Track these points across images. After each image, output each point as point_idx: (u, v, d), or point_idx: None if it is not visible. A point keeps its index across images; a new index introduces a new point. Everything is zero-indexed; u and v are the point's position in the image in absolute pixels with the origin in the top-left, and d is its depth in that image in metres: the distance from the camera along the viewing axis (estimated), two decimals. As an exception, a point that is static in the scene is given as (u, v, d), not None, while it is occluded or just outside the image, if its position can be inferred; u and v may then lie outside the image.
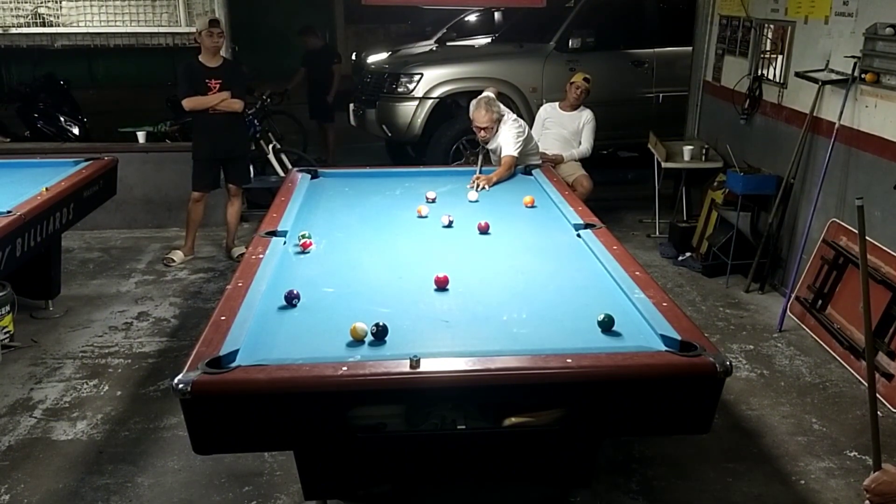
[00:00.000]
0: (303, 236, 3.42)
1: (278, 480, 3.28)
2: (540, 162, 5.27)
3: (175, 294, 5.28)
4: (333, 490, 2.70)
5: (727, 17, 6.23)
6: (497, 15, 12.35)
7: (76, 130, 7.88)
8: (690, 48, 7.01)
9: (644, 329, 2.58)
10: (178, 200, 6.24)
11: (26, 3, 6.19)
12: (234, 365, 2.28)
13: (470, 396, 2.39)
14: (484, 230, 3.67)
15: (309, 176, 4.70)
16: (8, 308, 4.29)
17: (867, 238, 2.33)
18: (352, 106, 8.36)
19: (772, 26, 5.48)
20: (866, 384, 2.37)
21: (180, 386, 2.16)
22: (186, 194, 5.84)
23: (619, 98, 7.49)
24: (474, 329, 2.64)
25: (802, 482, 3.32)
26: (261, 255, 3.19)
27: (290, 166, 6.73)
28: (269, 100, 7.11)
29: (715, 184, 5.84)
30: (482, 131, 4.97)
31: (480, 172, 4.67)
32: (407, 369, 2.24)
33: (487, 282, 3.06)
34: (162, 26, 6.28)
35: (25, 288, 4.70)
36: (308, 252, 3.37)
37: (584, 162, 6.24)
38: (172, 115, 7.57)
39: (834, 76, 4.67)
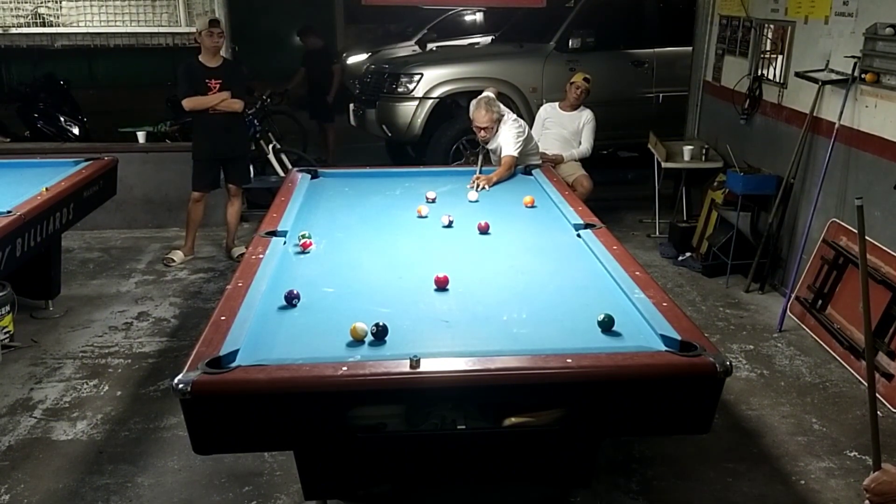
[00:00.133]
0: (303, 236, 3.42)
1: (278, 480, 3.28)
2: (540, 162, 5.27)
3: (175, 294, 5.28)
4: (333, 490, 2.70)
5: (727, 17, 6.23)
6: (479, 16, 12.37)
7: (76, 130, 7.88)
8: (690, 48, 7.01)
9: (644, 329, 2.58)
10: (178, 200, 6.24)
11: (26, 3, 6.19)
12: (234, 365, 2.28)
13: (470, 396, 2.39)
14: (484, 230, 3.67)
15: (309, 176, 4.70)
16: (8, 308, 4.29)
17: (867, 238, 2.33)
18: (352, 106, 8.36)
19: (772, 26, 5.48)
20: (866, 384, 2.37)
21: (180, 386, 2.16)
22: (186, 194, 5.84)
23: (619, 98, 7.49)
24: (474, 329, 2.64)
25: (802, 482, 3.32)
26: (261, 255, 3.19)
27: (290, 166, 6.73)
28: (269, 100, 7.11)
29: (715, 184, 5.84)
30: (482, 131, 4.97)
31: (480, 172, 4.67)
32: (407, 369, 2.24)
33: (487, 282, 3.06)
34: (162, 26, 6.28)
35: (25, 288, 4.70)
36: (308, 252, 3.37)
37: (584, 162, 6.24)
38: (172, 115, 7.56)
39: (834, 76, 4.67)
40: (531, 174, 4.83)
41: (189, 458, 3.36)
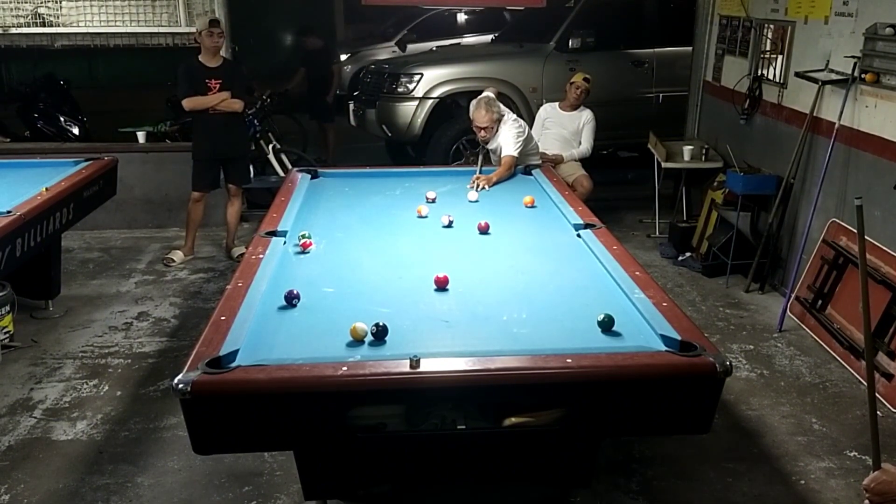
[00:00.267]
0: (303, 236, 3.42)
1: (278, 480, 3.28)
2: (540, 162, 5.27)
3: (175, 294, 5.28)
4: (333, 490, 2.70)
5: (727, 17, 6.23)
6: (461, 17, 12.35)
7: (76, 130, 7.88)
8: (690, 48, 7.01)
9: (644, 329, 2.58)
10: (178, 200, 6.25)
11: (26, 3, 6.19)
12: (234, 365, 2.28)
13: (470, 396, 2.39)
14: (484, 230, 3.67)
15: (309, 176, 4.70)
16: (8, 308, 4.29)
17: (867, 238, 2.33)
18: (352, 106, 8.36)
19: (772, 26, 5.48)
20: (866, 384, 2.37)
21: (180, 386, 2.16)
22: (186, 194, 5.84)
23: (619, 98, 7.49)
24: (474, 329, 2.64)
25: (802, 482, 3.32)
26: (261, 255, 3.19)
27: (290, 166, 6.73)
28: (269, 100, 7.11)
29: (715, 184, 5.84)
30: (482, 131, 4.97)
31: (480, 172, 4.67)
32: (407, 369, 2.24)
33: (487, 282, 3.06)
34: (162, 26, 6.28)
35: (25, 288, 4.70)
36: (308, 252, 3.37)
37: (584, 162, 6.24)
38: (172, 115, 7.56)
39: (834, 76, 4.67)
40: (531, 174, 4.83)
41: (189, 458, 3.36)
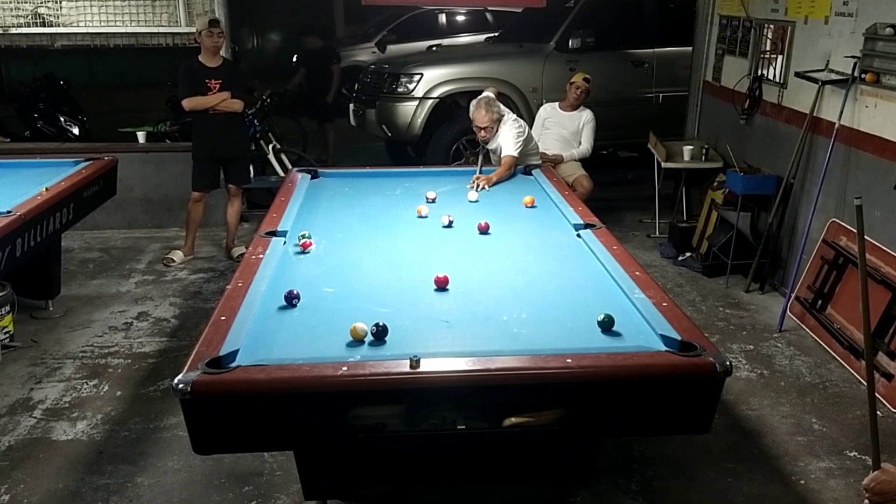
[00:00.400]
0: (303, 236, 3.42)
1: (278, 480, 3.28)
2: (540, 162, 5.27)
3: (175, 294, 5.28)
4: (333, 490, 2.69)
5: (727, 17, 6.23)
6: (442, 17, 12.32)
7: (76, 130, 7.89)
8: (690, 48, 7.01)
9: (644, 329, 2.58)
10: (178, 200, 6.25)
11: (26, 3, 6.19)
12: (234, 365, 2.28)
13: (470, 396, 2.39)
14: (484, 230, 3.67)
15: (309, 176, 4.70)
16: (8, 308, 4.29)
17: (867, 238, 2.33)
18: (352, 106, 8.36)
19: (772, 26, 5.48)
20: (866, 384, 2.37)
21: (180, 386, 2.16)
22: (186, 194, 5.84)
23: (619, 98, 7.50)
24: (474, 329, 2.64)
25: (802, 482, 3.32)
26: (261, 255, 3.19)
27: (290, 166, 6.73)
28: (269, 100, 7.11)
29: (715, 184, 5.85)
30: (482, 131, 4.97)
31: (480, 172, 4.67)
32: (407, 369, 2.24)
33: (487, 282, 3.06)
34: (162, 26, 6.28)
35: (25, 288, 4.70)
36: (308, 252, 3.37)
37: (584, 162, 6.24)
38: (172, 115, 7.57)
39: (834, 76, 4.67)
40: (531, 174, 4.83)
41: (189, 458, 3.36)
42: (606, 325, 2.57)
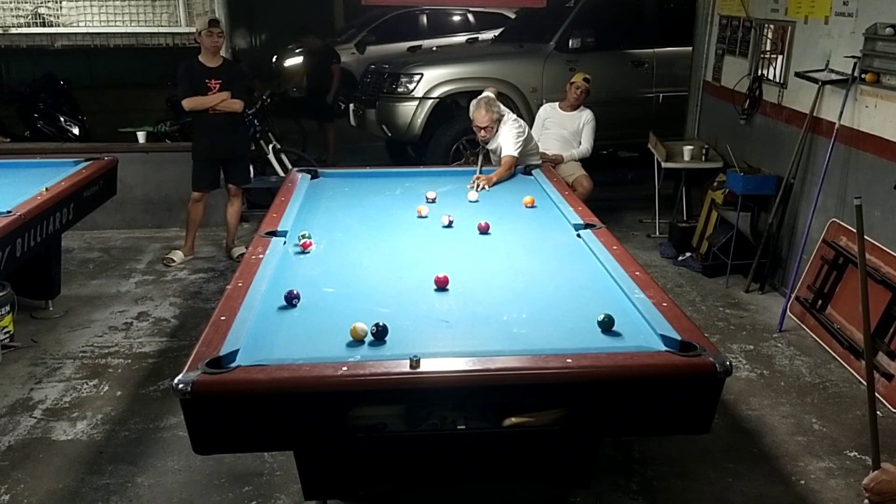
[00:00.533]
0: (303, 236, 3.42)
1: (278, 480, 3.28)
2: (540, 162, 5.27)
3: (175, 294, 5.28)
4: (333, 490, 2.70)
5: (727, 17, 6.23)
6: (423, 19, 12.27)
7: (76, 130, 7.88)
8: (690, 48, 7.01)
9: (644, 329, 2.58)
10: (178, 200, 6.25)
11: (26, 3, 6.19)
12: (234, 365, 2.28)
13: (470, 396, 2.39)
14: (484, 230, 3.67)
15: (309, 176, 4.70)
16: (8, 308, 4.29)
17: (867, 238, 2.33)
18: (352, 106, 8.36)
19: (772, 26, 5.48)
20: (866, 384, 2.37)
21: (180, 386, 2.16)
22: (186, 194, 5.84)
23: (619, 98, 7.49)
24: (474, 329, 2.64)
25: (802, 482, 3.33)
26: (261, 255, 3.19)
27: (290, 166, 6.73)
28: (268, 100, 7.11)
29: (715, 184, 5.85)
30: (482, 131, 4.97)
31: (480, 172, 4.67)
32: (407, 369, 2.24)
33: (487, 282, 3.06)
34: (162, 26, 6.28)
35: (25, 288, 4.70)
36: (308, 252, 3.37)
37: (584, 162, 6.24)
38: (172, 115, 7.56)
39: (834, 76, 4.67)
40: (531, 174, 4.83)
41: (189, 458, 3.36)
42: (606, 325, 2.57)
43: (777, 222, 5.26)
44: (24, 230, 4.00)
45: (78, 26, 6.25)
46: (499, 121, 4.98)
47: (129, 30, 6.28)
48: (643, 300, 2.76)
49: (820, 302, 4.61)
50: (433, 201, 4.16)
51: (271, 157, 6.96)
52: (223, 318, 2.58)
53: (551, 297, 2.91)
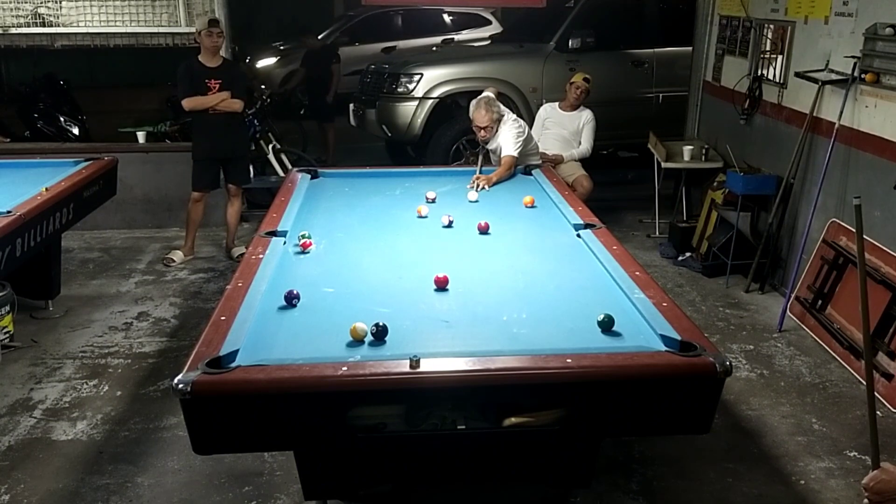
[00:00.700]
0: (303, 236, 3.42)
1: (278, 480, 3.28)
2: (540, 162, 5.27)
3: (175, 294, 5.28)
4: (333, 490, 2.70)
5: (727, 17, 6.23)
6: (398, 19, 12.22)
7: (76, 130, 7.88)
8: (690, 48, 7.01)
9: (644, 329, 2.58)
10: (178, 200, 6.25)
11: (26, 3, 6.19)
12: (234, 365, 2.28)
13: (470, 396, 2.39)
14: (484, 230, 3.67)
15: (309, 176, 4.70)
16: (8, 308, 4.29)
17: (867, 238, 2.33)
18: (352, 106, 8.36)
19: (772, 26, 5.48)
20: (866, 384, 2.37)
21: (180, 386, 2.16)
22: (186, 194, 5.84)
23: (619, 98, 7.49)
24: (474, 329, 2.64)
25: (802, 482, 3.33)
26: (261, 255, 3.19)
27: (290, 166, 6.73)
28: (268, 100, 7.11)
29: (715, 184, 5.85)
30: (482, 131, 4.97)
31: (480, 172, 4.67)
32: (407, 369, 2.24)
33: (487, 282, 3.06)
34: (162, 26, 6.28)
35: (25, 288, 4.70)
36: (308, 252, 3.37)
37: (584, 162, 6.24)
38: (172, 115, 7.56)
39: (834, 76, 4.67)
40: (531, 174, 4.83)
41: (189, 458, 3.36)
42: (606, 325, 2.57)
43: (777, 222, 5.26)
44: (24, 230, 4.00)
45: (78, 26, 6.25)
46: (499, 121, 4.98)
47: (129, 30, 6.28)
48: (643, 300, 2.76)
49: (820, 302, 4.61)
50: (433, 201, 4.16)
51: (271, 157, 6.96)
52: (223, 318, 2.58)
53: (551, 297, 2.91)
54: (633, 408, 2.41)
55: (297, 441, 2.43)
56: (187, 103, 5.49)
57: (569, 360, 2.30)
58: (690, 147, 6.27)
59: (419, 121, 7.44)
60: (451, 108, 7.50)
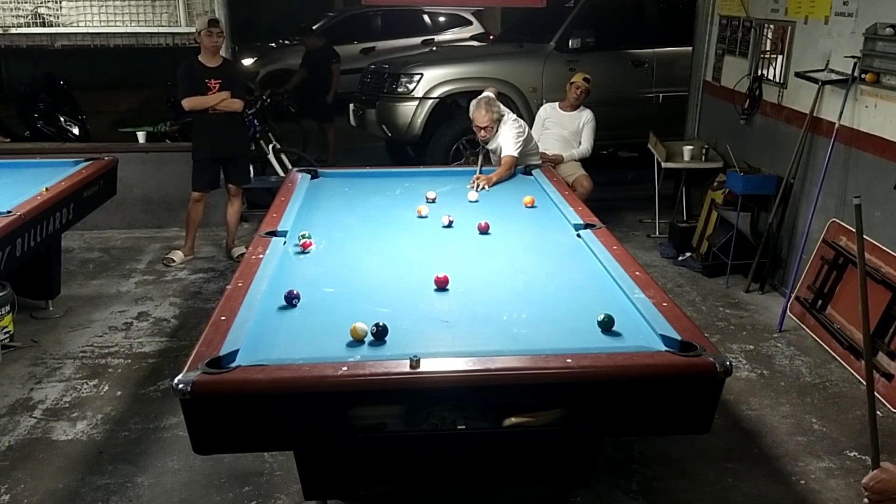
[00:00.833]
0: (303, 236, 3.42)
1: (278, 480, 3.28)
2: (540, 162, 5.27)
3: (175, 294, 5.28)
4: (333, 490, 2.70)
5: (727, 17, 6.23)
6: (378, 20, 12.17)
7: (76, 130, 7.88)
8: (690, 48, 7.01)
9: (644, 329, 2.58)
10: (178, 200, 6.25)
11: (26, 3, 6.19)
12: (234, 365, 2.28)
13: (470, 396, 2.39)
14: (484, 230, 3.67)
15: (309, 176, 4.70)
16: (8, 308, 4.29)
17: (867, 238, 2.33)
18: (352, 106, 8.36)
19: (772, 26, 5.48)
20: (866, 384, 2.37)
21: (180, 386, 2.16)
22: (186, 194, 5.84)
23: (619, 98, 7.49)
24: (474, 329, 2.64)
25: (802, 482, 3.33)
26: (261, 255, 3.19)
27: (290, 166, 6.73)
28: (268, 100, 7.11)
29: (715, 184, 5.85)
30: (482, 131, 4.97)
31: (480, 172, 4.67)
32: (407, 369, 2.24)
33: (487, 282, 3.06)
34: (162, 26, 6.28)
35: (25, 288, 4.70)
36: (308, 252, 3.37)
37: (584, 162, 6.24)
38: (172, 115, 7.56)
39: (834, 76, 4.67)
40: (531, 174, 4.83)
41: (189, 458, 3.36)
42: (606, 325, 2.57)
43: (777, 222, 5.26)
44: (24, 230, 4.00)
45: (78, 26, 6.25)
46: (499, 121, 4.98)
47: (129, 30, 6.28)
48: (643, 300, 2.76)
49: (820, 302, 4.61)
50: (433, 201, 4.16)
51: (271, 157, 6.96)
52: (223, 318, 2.58)
53: (551, 297, 2.91)
54: (633, 408, 2.41)
55: (297, 441, 2.43)
56: (187, 103, 5.49)
57: (569, 360, 2.30)
58: (690, 147, 6.27)
59: (419, 121, 7.44)
60: (451, 108, 7.50)
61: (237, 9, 6.96)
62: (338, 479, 2.56)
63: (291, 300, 2.77)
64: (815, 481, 3.33)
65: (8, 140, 7.16)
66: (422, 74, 7.47)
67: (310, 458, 2.53)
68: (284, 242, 3.43)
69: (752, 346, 4.55)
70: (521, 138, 4.97)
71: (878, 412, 3.13)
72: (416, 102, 7.43)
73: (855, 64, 4.41)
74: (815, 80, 4.78)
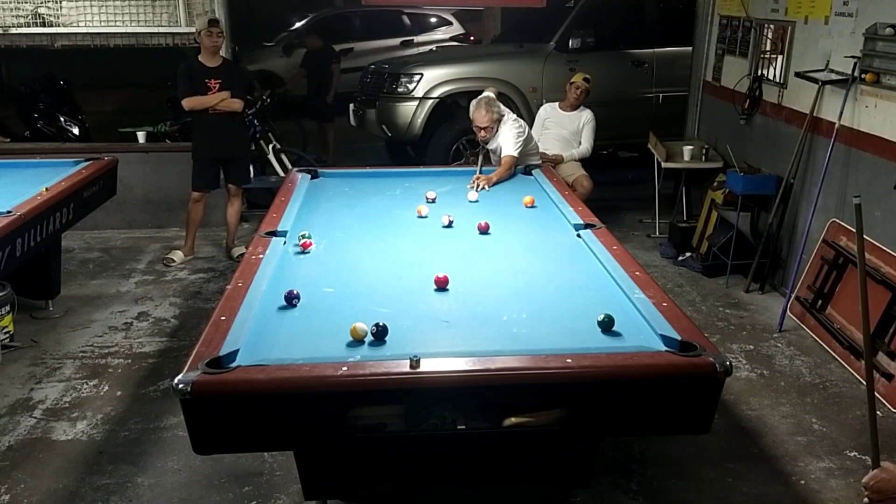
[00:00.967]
0: (303, 236, 3.42)
1: (278, 480, 3.28)
2: (540, 162, 5.27)
3: (175, 294, 5.28)
4: (333, 490, 2.70)
5: (727, 17, 6.23)
6: (356, 20, 12.09)
7: (76, 130, 7.88)
8: (690, 48, 7.01)
9: (644, 329, 2.58)
10: (178, 200, 6.25)
11: (26, 3, 6.19)
12: (234, 365, 2.28)
13: (470, 396, 2.39)
14: (484, 230, 3.67)
15: (309, 176, 4.70)
16: (8, 308, 4.29)
17: (867, 238, 2.33)
18: (352, 106, 8.36)
19: (772, 26, 5.48)
20: (866, 384, 2.37)
21: (180, 386, 2.16)
22: (186, 194, 5.84)
23: (619, 98, 7.49)
24: (474, 329, 2.64)
25: (802, 482, 3.32)
26: (261, 255, 3.19)
27: (290, 166, 6.73)
28: (268, 100, 7.11)
29: (715, 184, 5.85)
30: (482, 131, 4.97)
31: (480, 172, 4.67)
32: (407, 369, 2.24)
33: (487, 282, 3.06)
34: (162, 26, 6.28)
35: (25, 288, 4.70)
36: (308, 252, 3.37)
37: (584, 162, 6.24)
38: (172, 115, 7.56)
39: (834, 76, 4.67)
40: (531, 174, 4.83)
41: (189, 458, 3.36)
42: (606, 325, 2.57)
43: (777, 222, 5.26)
44: (24, 230, 4.00)
45: (78, 26, 6.25)
46: (499, 121, 4.98)
47: (129, 30, 6.27)
48: (643, 300, 2.76)
49: (820, 302, 4.61)
50: (433, 201, 4.16)
51: (271, 157, 6.96)
52: (223, 318, 2.58)
53: (551, 297, 2.91)
54: (633, 408, 2.41)
55: (297, 441, 2.43)
56: (187, 103, 5.49)
57: (569, 360, 2.30)
58: (690, 147, 6.27)
59: (419, 121, 7.44)
60: (451, 108, 7.50)
61: (237, 9, 6.95)
62: (338, 479, 2.56)
63: (291, 300, 2.77)
64: (815, 481, 3.33)
65: (8, 140, 7.16)
66: (422, 74, 7.47)
67: (310, 458, 2.53)
68: (284, 242, 3.43)
69: (752, 346, 4.55)
70: (521, 138, 4.97)
71: (878, 412, 3.13)
72: (416, 102, 7.43)
73: (855, 64, 4.41)
74: (815, 80, 4.78)
